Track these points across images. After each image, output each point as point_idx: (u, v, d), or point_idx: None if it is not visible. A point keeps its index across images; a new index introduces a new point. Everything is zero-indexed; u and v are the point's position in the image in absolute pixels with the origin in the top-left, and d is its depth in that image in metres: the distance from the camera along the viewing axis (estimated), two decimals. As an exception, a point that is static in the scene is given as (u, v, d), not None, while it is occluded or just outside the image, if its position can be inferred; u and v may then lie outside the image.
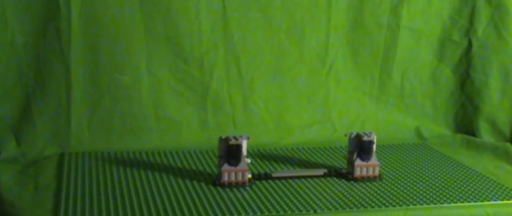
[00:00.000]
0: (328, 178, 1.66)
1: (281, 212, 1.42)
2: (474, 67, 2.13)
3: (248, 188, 1.56)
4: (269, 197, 1.51)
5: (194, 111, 1.91)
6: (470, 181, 1.69)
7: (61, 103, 1.80)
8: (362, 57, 2.08)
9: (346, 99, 2.07)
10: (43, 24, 1.77)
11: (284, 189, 1.57)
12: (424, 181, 1.68)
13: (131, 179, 1.59)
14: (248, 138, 1.57)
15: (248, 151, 1.58)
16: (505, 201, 1.56)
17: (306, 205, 1.46)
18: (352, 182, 1.64)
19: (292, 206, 1.45)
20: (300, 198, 1.51)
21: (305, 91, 1.99)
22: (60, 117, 1.81)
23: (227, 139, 1.55)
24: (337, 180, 1.65)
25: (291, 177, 1.64)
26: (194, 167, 1.70)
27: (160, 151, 1.83)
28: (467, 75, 2.15)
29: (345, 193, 1.56)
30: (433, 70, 2.15)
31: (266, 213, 1.41)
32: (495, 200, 1.55)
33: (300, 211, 1.43)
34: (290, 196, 1.52)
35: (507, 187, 1.65)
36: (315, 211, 1.43)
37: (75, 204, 1.42)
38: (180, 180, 1.60)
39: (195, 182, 1.58)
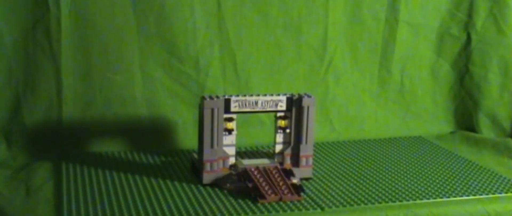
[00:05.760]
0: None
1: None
2: (473, 62, 2.11)
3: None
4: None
5: (189, 111, 1.87)
6: (471, 175, 1.68)
7: (52, 104, 1.76)
8: (361, 53, 2.05)
9: (346, 96, 2.04)
10: (32, 23, 1.72)
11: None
12: (425, 176, 1.66)
13: (125, 181, 1.55)
14: None
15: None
16: (509, 194, 1.55)
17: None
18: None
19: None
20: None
21: (303, 89, 1.95)
22: (51, 119, 1.76)
23: None
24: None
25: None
26: (189, 168, 1.66)
27: (154, 152, 1.78)
28: (466, 69, 2.13)
29: (343, 190, 1.54)
30: (432, 65, 2.13)
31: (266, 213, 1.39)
32: (500, 193, 1.55)
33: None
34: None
35: (509, 180, 1.64)
36: (322, 209, 1.42)
37: (69, 208, 1.38)
38: (176, 182, 1.56)
39: (191, 185, 1.54)
